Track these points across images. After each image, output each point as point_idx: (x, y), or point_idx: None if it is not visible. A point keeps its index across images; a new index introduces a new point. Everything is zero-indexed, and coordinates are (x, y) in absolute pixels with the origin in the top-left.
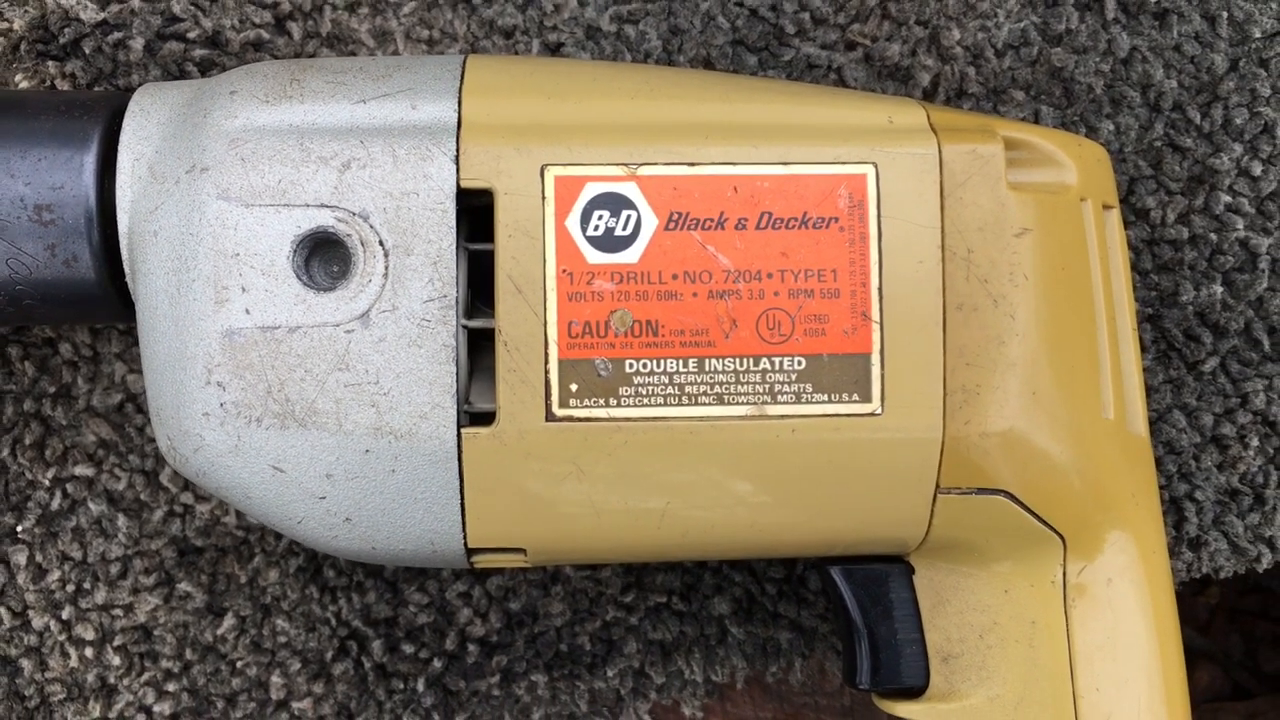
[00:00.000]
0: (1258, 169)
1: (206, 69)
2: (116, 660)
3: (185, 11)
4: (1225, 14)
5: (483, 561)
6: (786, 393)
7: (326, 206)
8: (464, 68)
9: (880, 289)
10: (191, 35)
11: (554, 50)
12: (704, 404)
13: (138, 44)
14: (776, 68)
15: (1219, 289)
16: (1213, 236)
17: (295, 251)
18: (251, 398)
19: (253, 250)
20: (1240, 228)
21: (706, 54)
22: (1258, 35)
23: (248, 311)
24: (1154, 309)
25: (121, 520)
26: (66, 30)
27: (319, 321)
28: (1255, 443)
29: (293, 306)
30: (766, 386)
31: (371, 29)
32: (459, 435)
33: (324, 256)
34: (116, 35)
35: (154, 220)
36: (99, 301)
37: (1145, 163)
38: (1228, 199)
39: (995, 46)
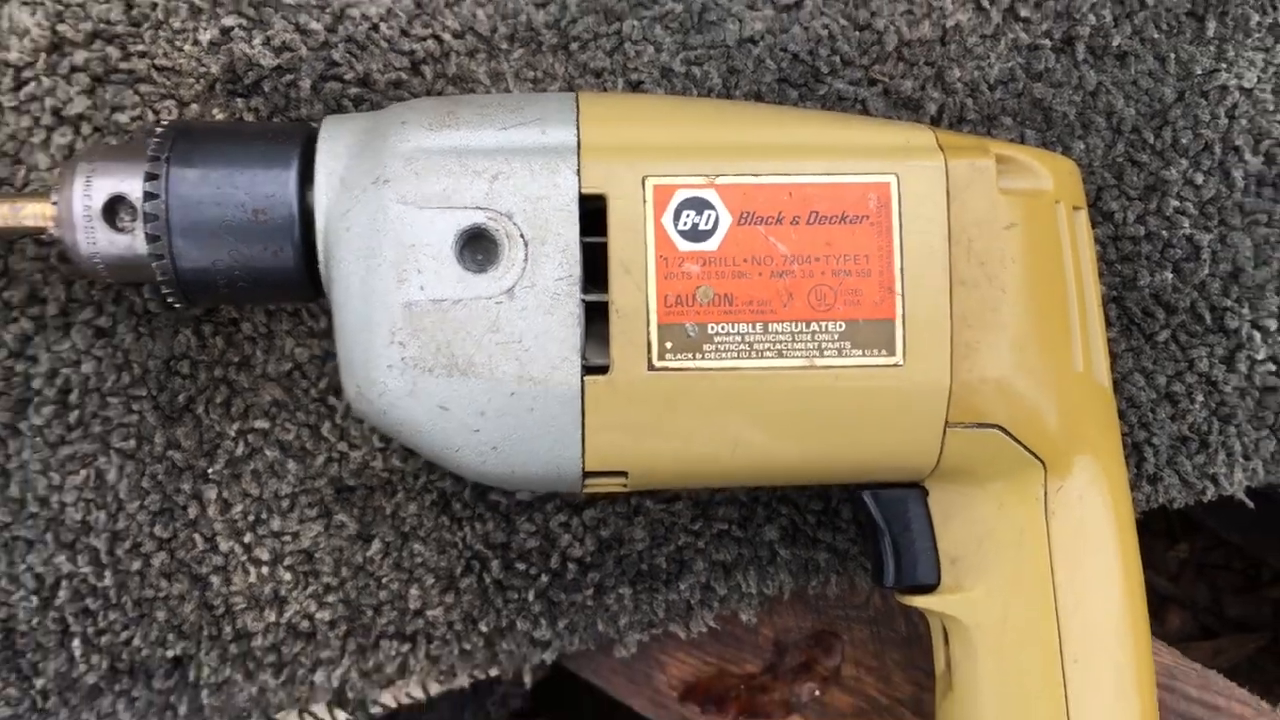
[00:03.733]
0: (1200, 179)
1: (359, 104)
2: (287, 577)
3: (342, 58)
4: (1173, 55)
5: (591, 485)
6: (831, 349)
7: (480, 208)
8: (578, 102)
9: (901, 269)
10: (347, 77)
11: (634, 87)
12: (768, 358)
13: (305, 84)
14: (813, 100)
15: (1169, 275)
16: (1164, 233)
17: (457, 242)
18: (425, 353)
19: (425, 242)
20: (1186, 226)
21: (758, 89)
22: (1199, 72)
23: (422, 288)
24: (1117, 292)
25: (291, 464)
26: (249, 74)
27: (476, 295)
28: (1200, 399)
29: (455, 284)
30: (815, 344)
31: (488, 71)
32: (582, 382)
33: (475, 246)
34: (289, 77)
35: (346, 220)
36: (294, 284)
37: (1109, 175)
38: (1176, 203)
39: (988, 82)
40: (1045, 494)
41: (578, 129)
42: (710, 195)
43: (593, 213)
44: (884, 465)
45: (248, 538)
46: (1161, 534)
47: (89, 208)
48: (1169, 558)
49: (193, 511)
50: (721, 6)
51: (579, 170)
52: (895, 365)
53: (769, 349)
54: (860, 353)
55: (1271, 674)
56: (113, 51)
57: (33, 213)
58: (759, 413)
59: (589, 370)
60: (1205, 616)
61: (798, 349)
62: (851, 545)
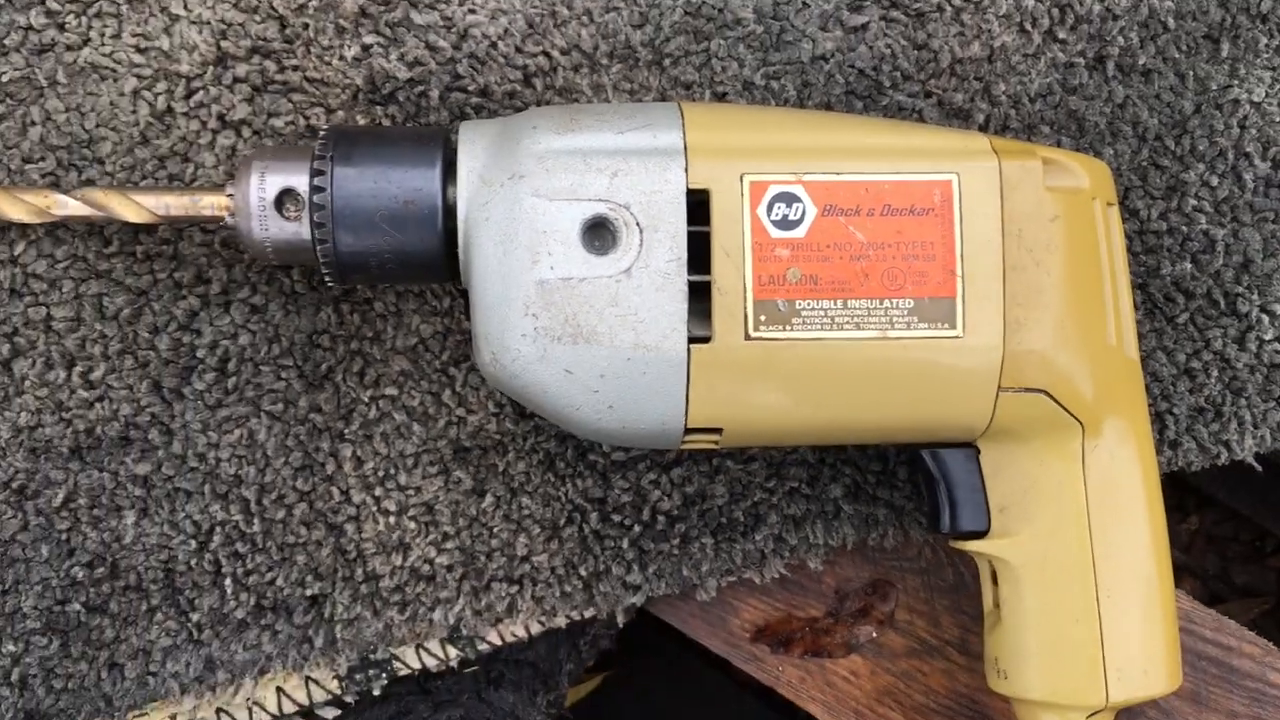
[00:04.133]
0: (1215, 181)
1: (479, 111)
2: (411, 526)
3: (465, 72)
4: (1191, 73)
5: (690, 441)
6: (901, 322)
7: (602, 200)
8: (681, 111)
9: (961, 255)
10: (470, 88)
11: (720, 98)
12: (847, 330)
13: (434, 94)
14: (876, 109)
15: (1188, 265)
16: (1183, 228)
17: (582, 229)
18: (554, 324)
19: (555, 229)
20: (1203, 222)
21: (828, 100)
22: (1214, 88)
23: (552, 268)
24: (1142, 279)
25: (416, 427)
26: (386, 85)
27: (598, 274)
28: (1215, 374)
29: (581, 265)
30: (888, 319)
31: (590, 83)
32: (688, 350)
33: (597, 233)
34: (420, 88)
35: (486, 210)
36: (434, 266)
37: (1136, 177)
38: (1194, 202)
39: (1029, 95)
40: (1082, 451)
41: (684, 133)
42: (798, 190)
43: (697, 205)
44: (944, 425)
45: (377, 491)
46: (1174, 508)
47: (263, 199)
48: (1181, 530)
49: (330, 468)
50: (797, 28)
51: (686, 169)
52: (956, 337)
53: (848, 322)
54: (926, 326)
55: (1274, 635)
56: (270, 65)
57: (210, 203)
58: (838, 377)
59: (693, 340)
60: (1214, 584)
61: (872, 322)
62: (907, 502)
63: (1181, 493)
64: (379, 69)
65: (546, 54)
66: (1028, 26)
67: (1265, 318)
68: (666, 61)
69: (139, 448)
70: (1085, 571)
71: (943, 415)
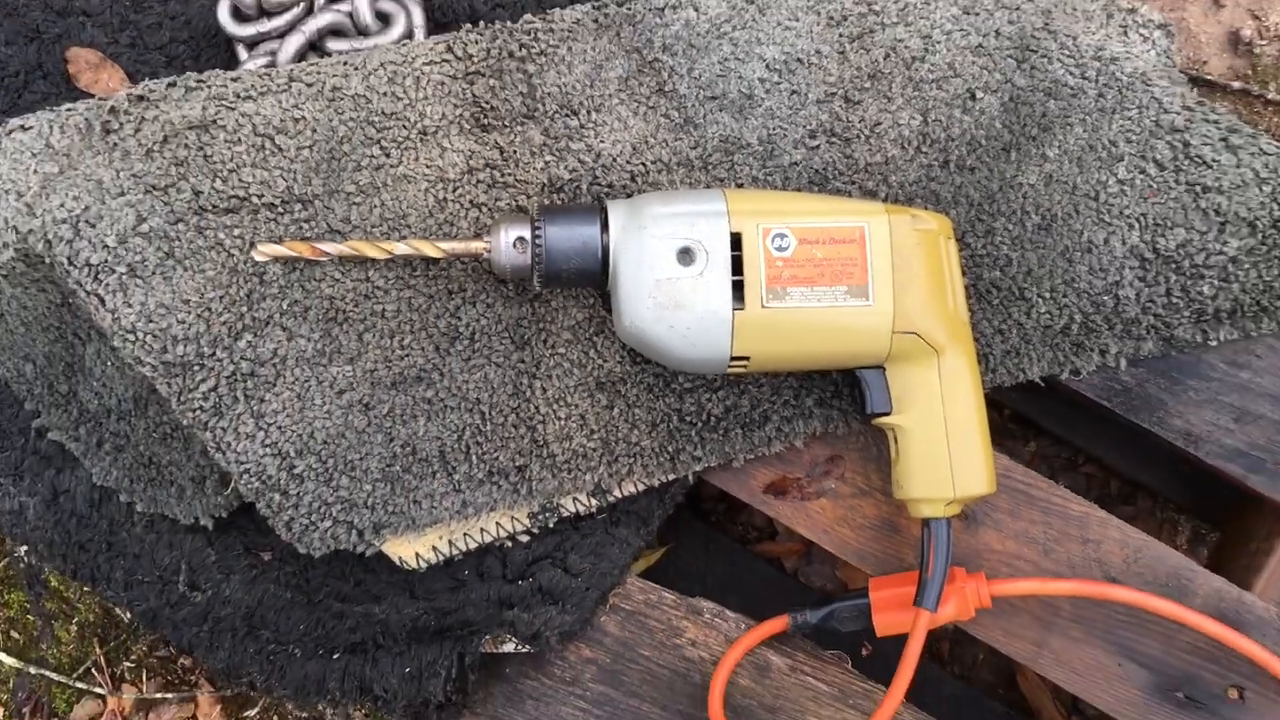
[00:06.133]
0: (1011, 227)
1: (606, 195)
2: (574, 426)
3: (599, 174)
4: (995, 168)
5: (732, 366)
6: (841, 299)
7: (687, 238)
8: (725, 193)
9: (871, 263)
10: (602, 183)
11: (740, 186)
12: (813, 302)
13: (584, 186)
14: (826, 190)
15: (998, 273)
16: (994, 253)
17: (678, 253)
18: (664, 301)
19: (663, 254)
20: (1005, 250)
21: (799, 186)
22: (1008, 176)
23: (662, 273)
24: (973, 280)
25: (575, 370)
26: (557, 182)
27: (686, 276)
28: (1014, 333)
29: (677, 271)
30: (834, 296)
31: (666, 179)
32: (733, 313)
33: (684, 255)
34: (575, 184)
35: (625, 245)
36: (594, 278)
37: (968, 225)
38: (1000, 238)
39: (908, 183)
40: (938, 365)
41: (727, 204)
42: (788, 231)
43: (735, 240)
44: (865, 354)
45: (555, 406)
46: (1018, 437)
47: (507, 242)
48: (1024, 452)
49: (528, 394)
50: (781, 149)
51: (729, 221)
52: (869, 306)
53: (814, 299)
54: (854, 300)
55: None
56: (495, 173)
57: (474, 247)
58: (809, 328)
59: (735, 308)
60: None
61: (827, 299)
62: (849, 408)
63: (1025, 425)
64: (553, 174)
65: (643, 164)
66: (906, 146)
67: (1040, 301)
68: (710, 167)
69: (426, 383)
70: (940, 428)
71: (864, 349)
